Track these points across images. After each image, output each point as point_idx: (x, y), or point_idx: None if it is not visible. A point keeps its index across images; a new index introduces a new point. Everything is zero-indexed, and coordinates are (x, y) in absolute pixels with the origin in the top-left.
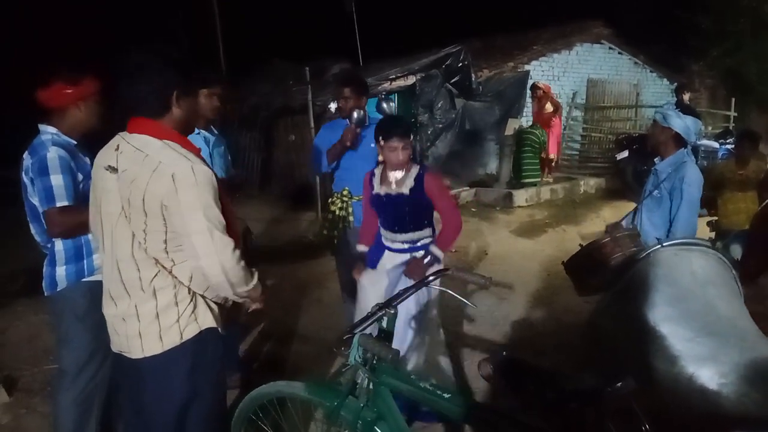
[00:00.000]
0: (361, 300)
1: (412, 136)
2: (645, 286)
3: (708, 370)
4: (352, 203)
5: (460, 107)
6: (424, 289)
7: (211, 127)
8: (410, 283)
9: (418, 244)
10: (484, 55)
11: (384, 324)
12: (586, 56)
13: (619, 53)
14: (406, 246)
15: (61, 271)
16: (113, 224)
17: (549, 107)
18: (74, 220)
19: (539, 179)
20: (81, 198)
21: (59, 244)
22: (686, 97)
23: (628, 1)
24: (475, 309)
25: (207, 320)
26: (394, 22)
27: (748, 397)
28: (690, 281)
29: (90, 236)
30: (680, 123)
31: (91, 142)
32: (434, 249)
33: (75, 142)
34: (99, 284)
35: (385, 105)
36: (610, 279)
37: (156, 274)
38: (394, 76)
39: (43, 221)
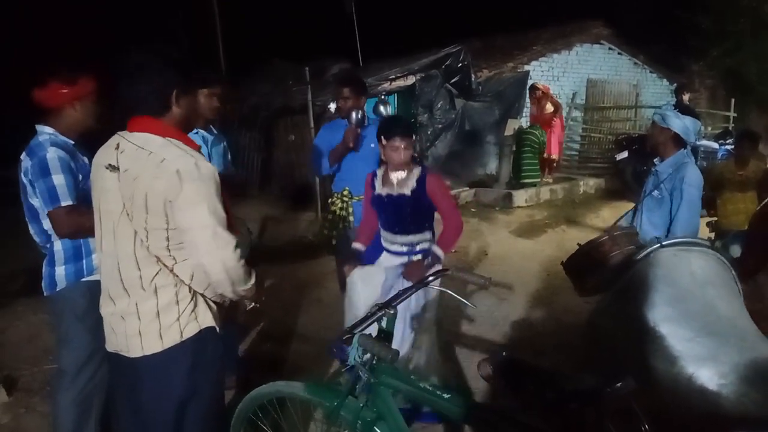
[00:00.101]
0: (351, 296)
1: (414, 137)
2: (644, 287)
3: (708, 370)
4: (352, 203)
5: (460, 107)
6: (423, 289)
7: (211, 126)
8: (407, 284)
9: (417, 248)
10: (484, 56)
11: (383, 324)
12: (586, 56)
13: (618, 53)
14: (404, 249)
15: (60, 271)
16: (114, 223)
17: (549, 107)
18: (80, 220)
19: (539, 179)
20: (81, 198)
21: (58, 244)
22: (686, 97)
23: (628, 1)
24: (475, 309)
25: (207, 319)
26: (394, 22)
27: (748, 397)
28: (689, 281)
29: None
30: (679, 123)
31: (90, 141)
32: (435, 249)
33: (72, 142)
34: (98, 284)
35: (382, 108)
36: (609, 279)
37: (157, 273)
38: (393, 77)
39: (49, 221)
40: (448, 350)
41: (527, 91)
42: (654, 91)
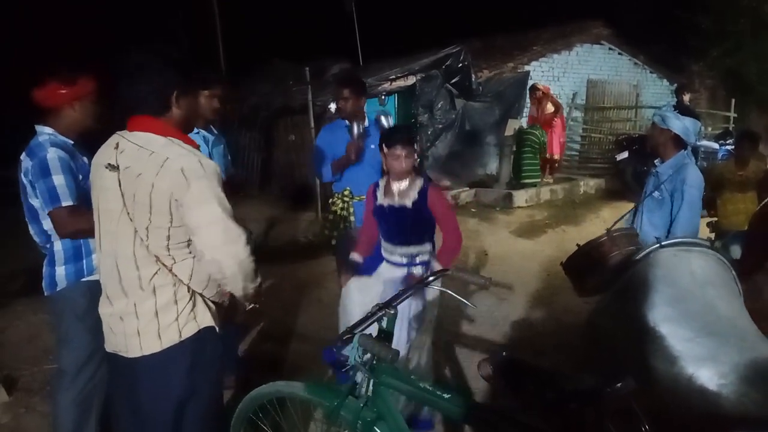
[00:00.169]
0: (346, 304)
1: (416, 146)
2: (644, 287)
3: (707, 371)
4: (353, 203)
5: (460, 108)
6: (423, 289)
7: (211, 126)
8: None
9: (417, 259)
10: (484, 56)
11: (384, 324)
12: (586, 57)
13: (619, 54)
14: (404, 260)
15: (60, 270)
16: (113, 222)
17: (550, 107)
18: (80, 220)
19: (539, 180)
20: (82, 198)
21: (58, 245)
22: (686, 97)
23: (628, 1)
24: (475, 309)
25: (206, 319)
26: (394, 22)
27: (748, 397)
28: (689, 281)
29: None
30: (679, 124)
31: (89, 141)
32: (435, 265)
33: (72, 142)
34: (98, 284)
35: (383, 120)
36: (609, 279)
37: (156, 272)
38: (394, 77)
39: (50, 222)
40: (448, 350)
41: (527, 92)
42: (654, 91)
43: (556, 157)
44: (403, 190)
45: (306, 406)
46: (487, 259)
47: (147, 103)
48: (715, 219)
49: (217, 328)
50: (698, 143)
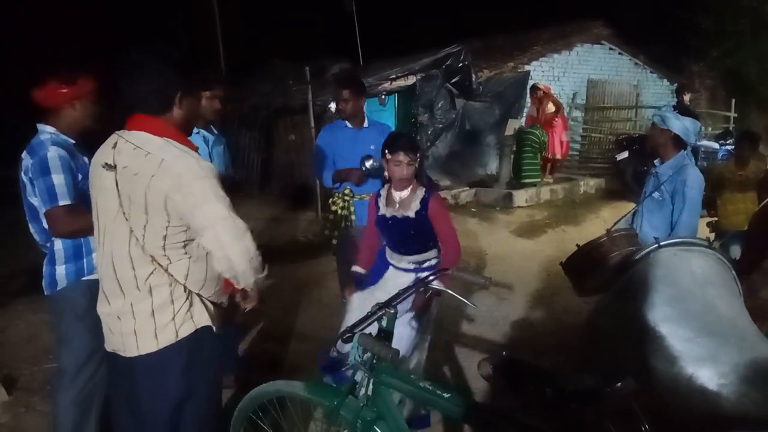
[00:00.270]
0: (348, 321)
1: (418, 154)
2: (644, 287)
3: (707, 371)
4: (353, 202)
5: (460, 107)
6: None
7: (211, 126)
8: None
9: (424, 265)
10: (484, 56)
11: (384, 324)
12: (586, 57)
13: (619, 54)
14: (411, 266)
15: (60, 270)
16: (109, 221)
17: (551, 107)
18: (77, 220)
19: (539, 180)
20: (81, 197)
21: (59, 243)
22: (687, 97)
23: (628, 1)
24: (475, 309)
25: (203, 319)
26: (394, 22)
27: (748, 397)
28: (689, 281)
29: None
30: (679, 125)
31: (90, 141)
32: (435, 285)
33: (73, 142)
34: (98, 283)
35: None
36: (609, 279)
37: (152, 272)
38: (394, 76)
39: (45, 221)
40: (448, 350)
41: (527, 91)
42: (654, 91)
43: (559, 156)
44: (405, 200)
45: (306, 405)
46: (487, 259)
47: (147, 102)
48: (715, 219)
49: (214, 328)
50: (698, 143)
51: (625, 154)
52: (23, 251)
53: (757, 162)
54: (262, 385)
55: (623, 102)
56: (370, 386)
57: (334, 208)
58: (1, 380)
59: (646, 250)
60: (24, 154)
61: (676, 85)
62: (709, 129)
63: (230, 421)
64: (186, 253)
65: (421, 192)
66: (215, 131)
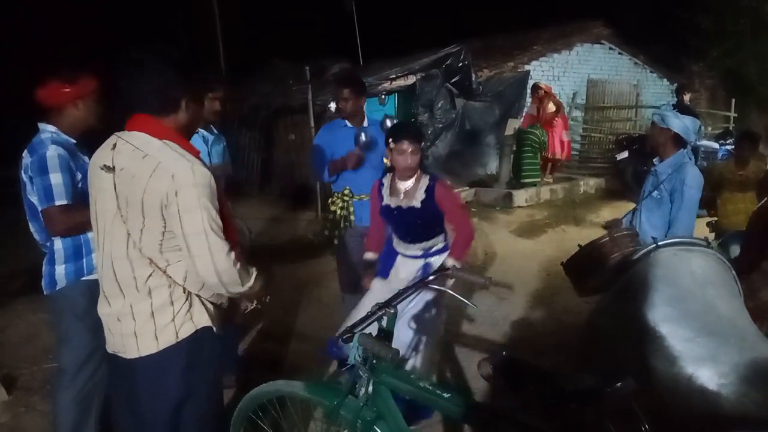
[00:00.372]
0: (364, 306)
1: (423, 143)
2: (644, 286)
3: (707, 371)
4: (352, 202)
5: (460, 107)
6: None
7: (211, 126)
8: (428, 294)
9: (432, 250)
10: (484, 55)
11: (384, 323)
12: (586, 56)
13: (619, 53)
14: (420, 253)
15: (60, 269)
16: (108, 223)
17: (551, 107)
18: (73, 219)
19: (539, 179)
20: (80, 197)
21: (58, 243)
22: (687, 97)
23: (628, 1)
24: (475, 309)
25: (203, 319)
26: (394, 22)
27: (748, 398)
28: (689, 281)
29: (90, 235)
30: (679, 124)
31: (91, 141)
32: (449, 261)
33: (74, 141)
34: (98, 283)
35: (388, 123)
36: (609, 279)
37: (150, 274)
38: (394, 76)
39: (42, 219)
40: (448, 350)
41: (527, 91)
42: (654, 91)
43: (559, 156)
44: (410, 190)
45: (306, 405)
46: (487, 259)
47: (148, 102)
48: (715, 219)
49: (214, 329)
50: (698, 143)
51: (625, 154)
52: (23, 251)
53: (757, 162)
54: (262, 385)
55: (623, 102)
56: (370, 386)
57: (333, 208)
58: (1, 380)
59: (644, 250)
60: (24, 153)
61: (676, 84)
62: (709, 129)
63: (230, 421)
64: (184, 255)
65: (425, 181)
66: (215, 131)
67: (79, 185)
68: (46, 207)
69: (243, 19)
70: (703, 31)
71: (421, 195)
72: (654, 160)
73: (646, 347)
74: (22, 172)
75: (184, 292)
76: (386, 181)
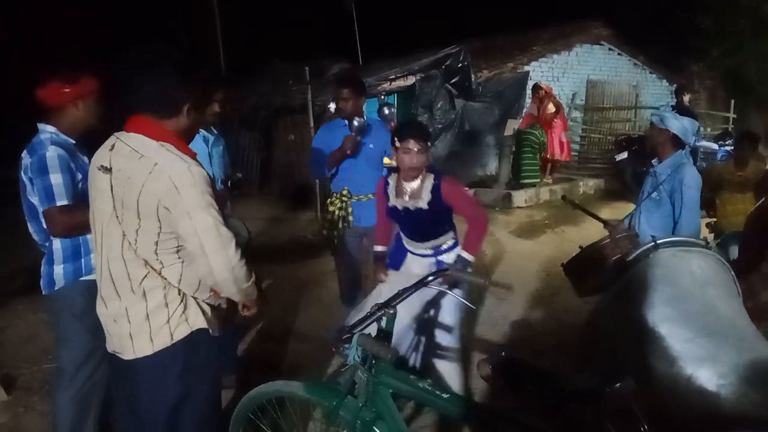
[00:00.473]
0: (377, 296)
1: (428, 143)
2: (644, 287)
3: (707, 371)
4: (351, 203)
5: (460, 108)
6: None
7: (211, 127)
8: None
9: (443, 247)
10: (484, 56)
11: (383, 324)
12: (586, 57)
13: (618, 54)
14: (430, 251)
15: (58, 269)
16: (105, 224)
17: (551, 107)
18: (74, 220)
19: (538, 180)
20: (80, 197)
21: (57, 243)
22: (686, 98)
23: (628, 1)
24: (475, 309)
25: (198, 321)
26: (394, 22)
27: (747, 398)
28: (689, 282)
29: (88, 235)
30: (677, 124)
31: (91, 141)
32: (463, 254)
33: (74, 141)
34: (96, 283)
35: (386, 111)
36: (608, 279)
37: (145, 275)
38: (393, 76)
39: (43, 220)
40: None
41: (527, 92)
42: (654, 91)
43: (559, 157)
44: (416, 190)
45: (305, 405)
46: (486, 259)
47: (148, 103)
48: (715, 219)
49: (210, 330)
50: (697, 144)
51: (624, 155)
52: (23, 251)
53: (757, 162)
54: (261, 385)
55: (622, 102)
56: (370, 386)
57: (332, 208)
58: (1, 380)
59: (643, 248)
60: (24, 153)
61: (675, 85)
62: (709, 130)
63: (229, 421)
64: (179, 258)
65: (430, 180)
66: (215, 131)
67: (80, 185)
68: (48, 208)
69: (243, 19)
70: (703, 31)
71: (427, 195)
72: (653, 161)
73: (646, 347)
74: (22, 172)
75: (179, 294)
76: (391, 180)
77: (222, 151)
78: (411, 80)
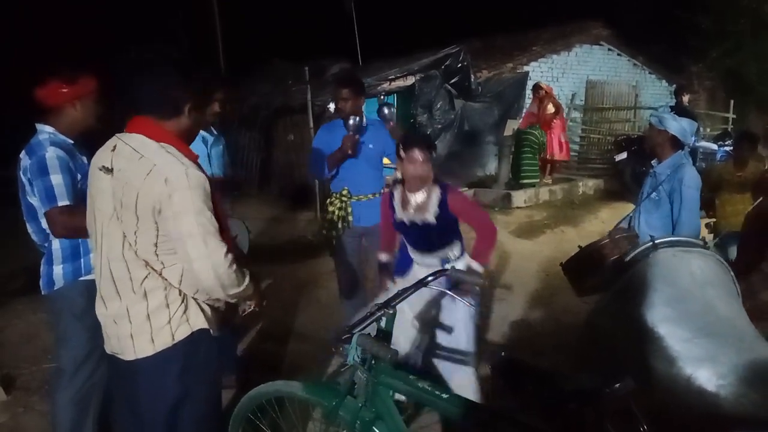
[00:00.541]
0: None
1: (433, 154)
2: (644, 287)
3: (706, 371)
4: (351, 203)
5: (459, 108)
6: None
7: (211, 127)
8: (456, 309)
9: (450, 257)
10: (484, 56)
11: (383, 324)
12: (586, 57)
13: (618, 54)
14: (436, 261)
15: (58, 269)
16: (105, 224)
17: (550, 108)
18: (76, 220)
19: (538, 180)
20: (79, 198)
21: (56, 243)
22: (686, 98)
23: (628, 2)
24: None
25: (199, 321)
26: (394, 22)
27: (746, 398)
28: (689, 282)
29: None
30: (676, 126)
31: (89, 141)
32: (474, 265)
33: (72, 142)
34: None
35: (386, 110)
36: (608, 279)
37: (146, 276)
38: (393, 77)
39: (45, 221)
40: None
41: (526, 92)
42: (653, 92)
43: (558, 158)
44: (422, 203)
45: (304, 405)
46: None
47: (149, 103)
48: (714, 220)
49: (211, 330)
50: (697, 144)
51: (623, 155)
52: (23, 251)
53: (756, 163)
54: (261, 385)
55: (622, 103)
56: (369, 386)
57: (331, 208)
58: (0, 380)
59: (642, 248)
60: (22, 154)
61: (675, 86)
62: (708, 130)
63: (228, 421)
64: (179, 258)
65: (436, 193)
66: (215, 131)
67: (79, 186)
68: (50, 209)
69: (243, 19)
70: (703, 31)
71: (434, 209)
72: (652, 162)
73: (645, 347)
74: (21, 173)
75: (180, 294)
76: (397, 193)
77: (221, 151)
78: (410, 80)
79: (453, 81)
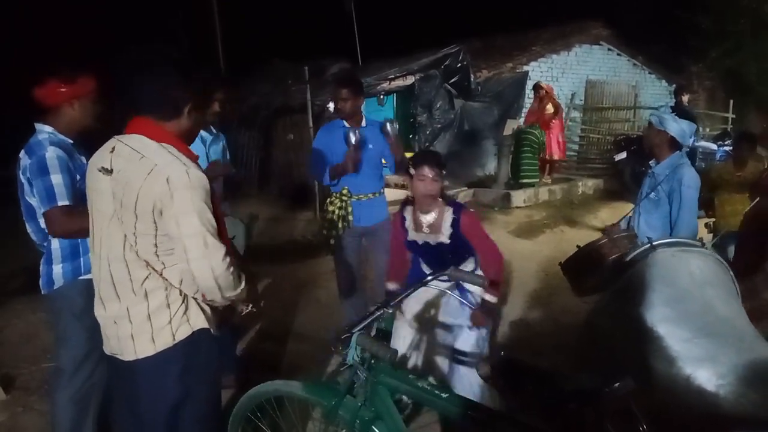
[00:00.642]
0: (396, 338)
1: (444, 172)
2: (643, 287)
3: (706, 371)
4: (351, 202)
5: (459, 108)
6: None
7: (210, 126)
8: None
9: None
10: (483, 56)
11: (382, 324)
12: (585, 57)
13: (618, 54)
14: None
15: (57, 269)
16: (105, 225)
17: (550, 108)
18: (76, 220)
19: (537, 180)
20: (78, 198)
21: (55, 243)
22: (685, 98)
23: (628, 2)
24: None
25: (199, 321)
26: (394, 22)
27: (746, 398)
28: (688, 282)
29: None
30: (676, 127)
31: (88, 141)
32: (487, 296)
33: (71, 141)
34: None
35: (389, 126)
36: (607, 279)
37: (147, 276)
38: (393, 76)
39: (44, 221)
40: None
41: (526, 92)
42: (653, 92)
43: (556, 157)
44: (434, 224)
45: (304, 405)
46: None
47: (149, 104)
48: (713, 220)
49: (211, 330)
50: (696, 144)
51: (623, 155)
52: (23, 251)
53: (755, 163)
54: (260, 384)
55: (622, 103)
56: (368, 386)
57: (331, 208)
58: (0, 379)
59: (639, 250)
60: (22, 154)
61: (674, 85)
62: (707, 130)
63: (227, 421)
64: (178, 258)
65: (449, 213)
66: (214, 130)
67: (78, 186)
68: (49, 208)
69: (243, 19)
70: (703, 31)
71: (447, 229)
72: (650, 162)
73: (645, 347)
74: (20, 173)
75: (181, 294)
76: (408, 215)
77: (220, 150)
78: (410, 80)
79: (453, 81)
